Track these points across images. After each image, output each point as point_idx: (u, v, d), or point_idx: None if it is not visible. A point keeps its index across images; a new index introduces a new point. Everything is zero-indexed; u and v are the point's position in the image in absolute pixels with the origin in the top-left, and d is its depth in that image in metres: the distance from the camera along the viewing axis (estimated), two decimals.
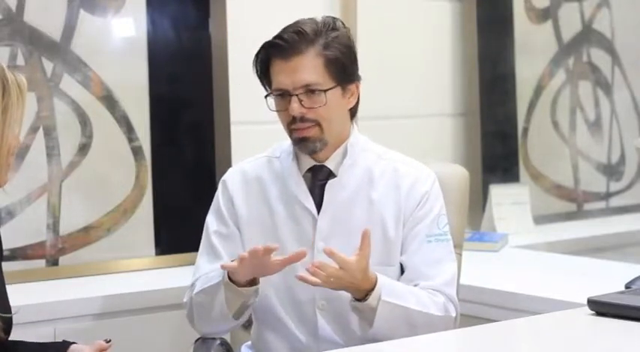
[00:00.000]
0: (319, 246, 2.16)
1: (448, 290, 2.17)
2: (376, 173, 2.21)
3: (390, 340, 2.05)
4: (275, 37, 2.14)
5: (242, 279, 2.08)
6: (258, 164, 2.27)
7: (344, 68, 2.14)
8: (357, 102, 2.22)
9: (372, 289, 2.06)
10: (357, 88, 2.20)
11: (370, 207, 2.19)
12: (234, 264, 2.04)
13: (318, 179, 2.20)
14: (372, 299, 2.05)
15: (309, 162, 2.20)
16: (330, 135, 2.16)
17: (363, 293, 2.06)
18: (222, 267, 2.07)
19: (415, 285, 2.16)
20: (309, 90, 2.11)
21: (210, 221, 2.27)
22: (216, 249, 2.23)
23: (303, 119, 2.12)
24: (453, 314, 2.17)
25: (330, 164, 2.19)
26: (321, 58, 2.11)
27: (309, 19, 2.17)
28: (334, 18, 2.20)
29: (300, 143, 2.15)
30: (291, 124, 2.14)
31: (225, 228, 2.24)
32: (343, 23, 2.21)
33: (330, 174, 2.20)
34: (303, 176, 2.20)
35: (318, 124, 2.13)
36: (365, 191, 2.20)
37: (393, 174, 2.21)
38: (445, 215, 2.23)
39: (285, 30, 2.14)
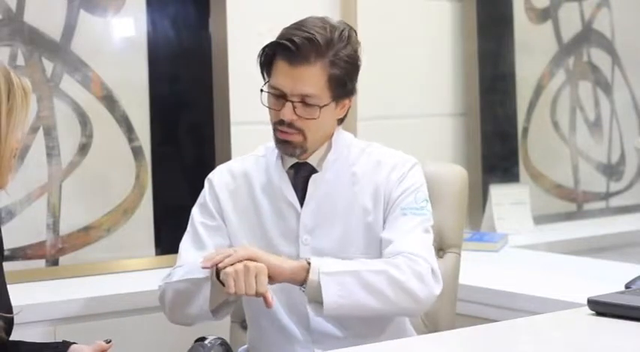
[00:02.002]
0: (304, 239, 2.19)
1: (411, 249, 2.12)
2: (359, 167, 2.23)
3: (358, 313, 2.07)
4: (287, 39, 2.11)
5: None
6: (245, 162, 2.30)
7: (344, 85, 2.15)
8: (347, 112, 2.23)
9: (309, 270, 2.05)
10: (350, 101, 2.20)
11: (352, 200, 2.21)
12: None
13: (301, 175, 2.22)
14: (312, 275, 2.04)
15: (291, 159, 2.22)
16: (312, 144, 2.18)
17: (301, 274, 2.05)
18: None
19: (382, 255, 2.15)
20: (305, 101, 2.12)
21: (195, 213, 2.28)
22: (201, 238, 2.24)
23: (290, 125, 2.14)
24: (421, 268, 2.09)
25: (312, 161, 2.22)
26: (326, 74, 2.11)
27: (321, 20, 2.15)
28: (347, 26, 2.18)
29: (281, 144, 2.18)
30: (278, 125, 2.16)
31: (211, 220, 2.25)
32: (356, 33, 2.19)
33: (313, 170, 2.22)
34: (287, 172, 2.22)
35: (303, 134, 2.15)
36: (347, 184, 2.21)
37: (375, 165, 2.23)
38: (425, 193, 2.22)
39: (296, 32, 2.11)
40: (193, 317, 2.17)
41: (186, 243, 2.27)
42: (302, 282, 2.06)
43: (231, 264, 2.00)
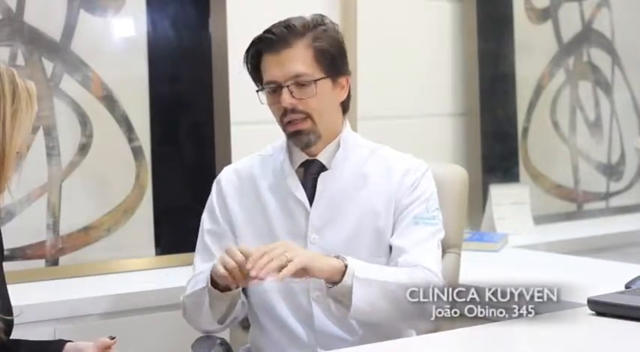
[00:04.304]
0: (312, 238, 2.18)
1: (427, 263, 2.14)
2: (368, 167, 2.23)
3: (374, 320, 2.08)
4: (265, 32, 2.16)
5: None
6: (252, 162, 2.30)
7: (333, 60, 2.16)
8: (349, 98, 2.24)
9: (345, 271, 2.05)
10: (347, 81, 2.21)
11: (362, 200, 2.20)
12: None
13: (310, 173, 2.22)
14: (347, 277, 2.05)
15: (301, 157, 2.22)
16: (323, 128, 2.17)
17: (337, 276, 2.05)
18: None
19: (395, 263, 2.15)
20: (299, 82, 2.13)
21: (205, 219, 2.29)
22: (208, 248, 2.25)
23: (294, 110, 2.14)
24: (437, 284, 2.11)
25: (322, 158, 2.21)
26: (311, 50, 2.14)
27: (299, 16, 2.19)
28: (322, 15, 2.21)
29: (294, 136, 2.17)
30: (284, 117, 2.16)
31: (216, 226, 2.25)
32: (332, 21, 2.22)
33: (322, 168, 2.21)
34: (296, 171, 2.22)
35: (310, 116, 2.15)
36: (357, 184, 2.21)
37: (385, 168, 2.23)
38: (437, 201, 2.23)
39: (274, 25, 2.17)
40: (206, 328, 2.20)
41: (197, 253, 2.28)
42: (334, 283, 2.07)
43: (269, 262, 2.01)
